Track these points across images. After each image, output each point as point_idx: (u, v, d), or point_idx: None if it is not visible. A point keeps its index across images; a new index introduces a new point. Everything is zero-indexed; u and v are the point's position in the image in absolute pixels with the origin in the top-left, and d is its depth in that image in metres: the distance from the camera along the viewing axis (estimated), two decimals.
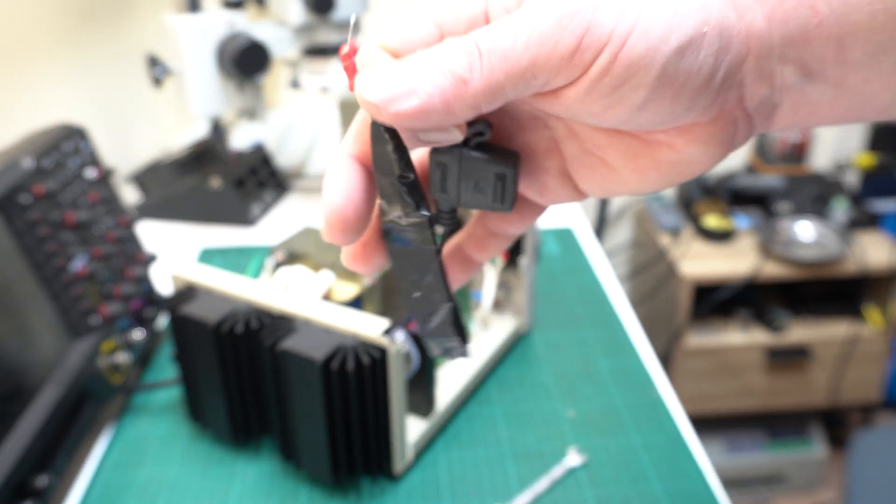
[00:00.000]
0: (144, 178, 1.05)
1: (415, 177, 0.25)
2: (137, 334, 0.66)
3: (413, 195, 0.25)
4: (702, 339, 1.78)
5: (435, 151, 0.26)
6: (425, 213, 0.25)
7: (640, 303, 1.97)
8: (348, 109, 1.01)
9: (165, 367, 0.71)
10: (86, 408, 0.60)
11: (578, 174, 0.29)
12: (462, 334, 0.28)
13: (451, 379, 0.65)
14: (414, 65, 0.23)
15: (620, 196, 0.30)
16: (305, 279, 0.63)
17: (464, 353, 0.29)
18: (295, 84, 1.09)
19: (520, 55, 0.22)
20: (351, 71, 0.24)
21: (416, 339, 0.56)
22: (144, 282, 0.70)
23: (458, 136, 0.25)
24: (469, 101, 0.23)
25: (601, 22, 0.22)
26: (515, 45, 0.22)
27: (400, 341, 0.52)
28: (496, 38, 0.22)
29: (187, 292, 0.59)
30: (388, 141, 0.24)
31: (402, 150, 0.25)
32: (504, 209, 0.27)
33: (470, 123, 0.26)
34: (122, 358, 0.64)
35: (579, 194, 0.30)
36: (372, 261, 0.28)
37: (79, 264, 0.62)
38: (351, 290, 0.63)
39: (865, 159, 1.97)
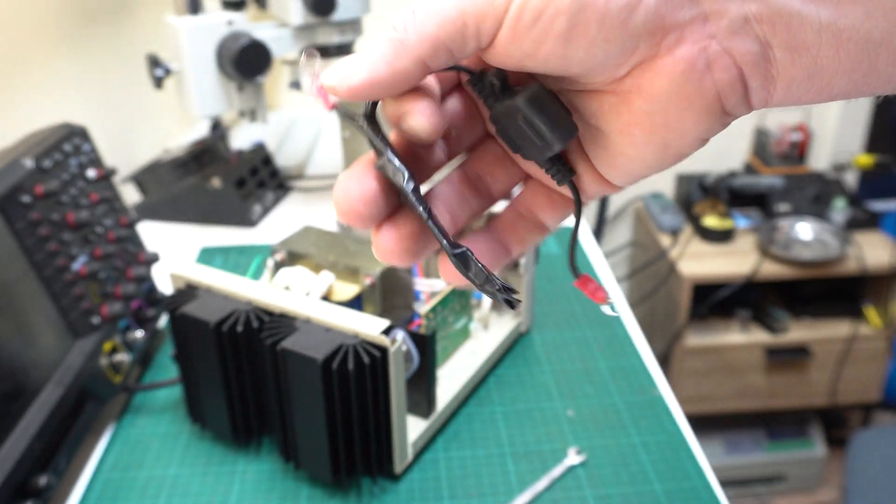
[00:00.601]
0: (143, 177, 1.05)
1: (386, 160, 0.27)
2: (138, 334, 0.67)
3: (391, 173, 0.27)
4: (701, 338, 1.78)
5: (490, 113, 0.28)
6: (409, 185, 0.27)
7: (640, 303, 1.97)
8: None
9: (165, 367, 0.71)
10: (86, 408, 0.60)
11: (592, 154, 0.29)
12: (480, 278, 0.27)
13: (451, 379, 0.65)
14: (366, 47, 0.25)
15: (633, 176, 0.29)
16: (305, 279, 0.63)
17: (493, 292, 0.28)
18: (295, 85, 1.09)
19: (449, 7, 0.24)
20: (322, 94, 0.27)
21: (416, 339, 0.56)
22: (145, 282, 0.70)
23: (425, 127, 0.26)
24: (409, 56, 0.25)
25: None
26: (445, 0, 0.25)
27: (400, 341, 0.52)
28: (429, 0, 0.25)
29: (187, 292, 0.59)
30: (364, 132, 0.27)
31: (375, 136, 0.27)
32: (548, 148, 0.27)
33: (480, 81, 0.27)
34: (123, 358, 0.64)
35: (607, 184, 0.29)
36: (405, 254, 0.28)
37: (80, 264, 0.62)
38: (351, 290, 0.63)
39: (864, 159, 1.97)
